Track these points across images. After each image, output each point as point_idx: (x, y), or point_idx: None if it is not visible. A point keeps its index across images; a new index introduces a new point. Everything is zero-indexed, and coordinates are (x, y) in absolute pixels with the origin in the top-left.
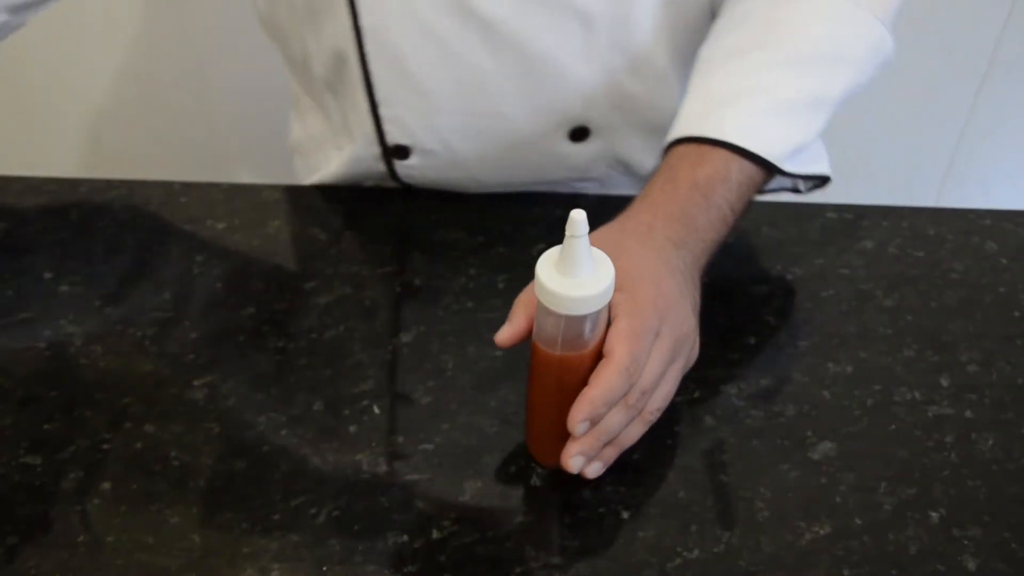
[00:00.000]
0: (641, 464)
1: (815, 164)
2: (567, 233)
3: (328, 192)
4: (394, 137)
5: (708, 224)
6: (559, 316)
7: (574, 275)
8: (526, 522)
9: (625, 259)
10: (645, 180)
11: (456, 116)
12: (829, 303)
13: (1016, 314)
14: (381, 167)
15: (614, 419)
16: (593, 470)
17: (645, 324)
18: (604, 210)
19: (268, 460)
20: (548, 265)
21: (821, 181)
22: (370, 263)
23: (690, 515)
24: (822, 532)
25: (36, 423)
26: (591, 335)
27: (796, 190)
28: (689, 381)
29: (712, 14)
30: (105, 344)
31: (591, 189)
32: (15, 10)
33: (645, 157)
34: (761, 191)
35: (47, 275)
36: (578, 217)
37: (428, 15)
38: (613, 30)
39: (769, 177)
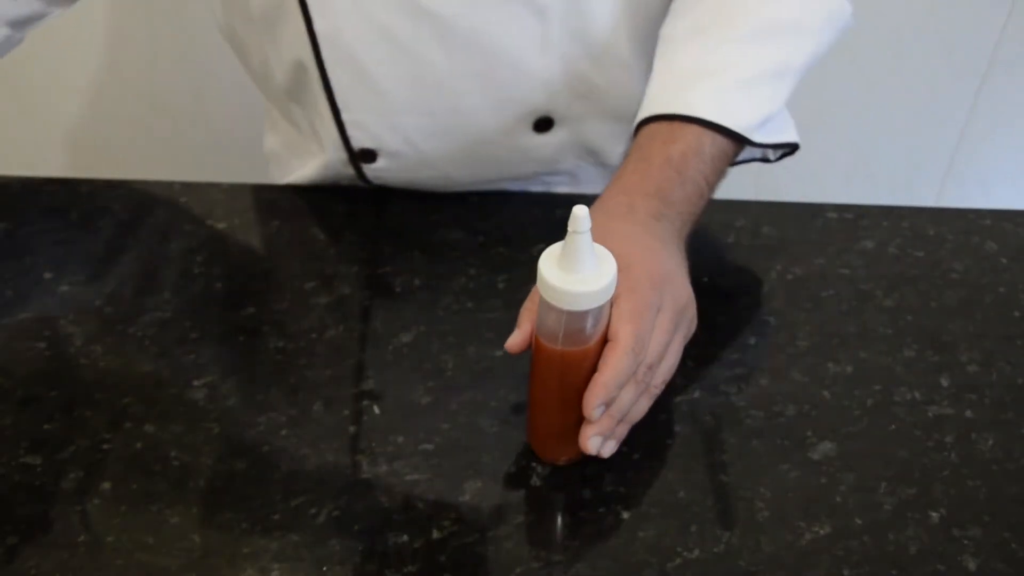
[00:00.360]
0: (641, 464)
1: (783, 133)
2: (569, 229)
3: (328, 192)
4: (359, 141)
5: (684, 198)
6: (561, 311)
7: (576, 271)
8: (526, 522)
9: (613, 239)
10: (611, 169)
11: (417, 116)
12: (829, 303)
13: (1016, 314)
14: (350, 171)
15: (625, 397)
16: (608, 449)
17: (646, 300)
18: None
19: (268, 460)
20: (550, 261)
21: (790, 149)
22: (370, 263)
23: (690, 515)
24: (822, 532)
25: (36, 423)
26: (593, 330)
27: (766, 159)
28: (689, 381)
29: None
30: (105, 344)
31: (563, 185)
32: (16, 25)
33: (614, 145)
34: (733, 162)
35: (47, 275)
36: (580, 213)
37: (380, 15)
38: (568, 19)
39: (740, 148)
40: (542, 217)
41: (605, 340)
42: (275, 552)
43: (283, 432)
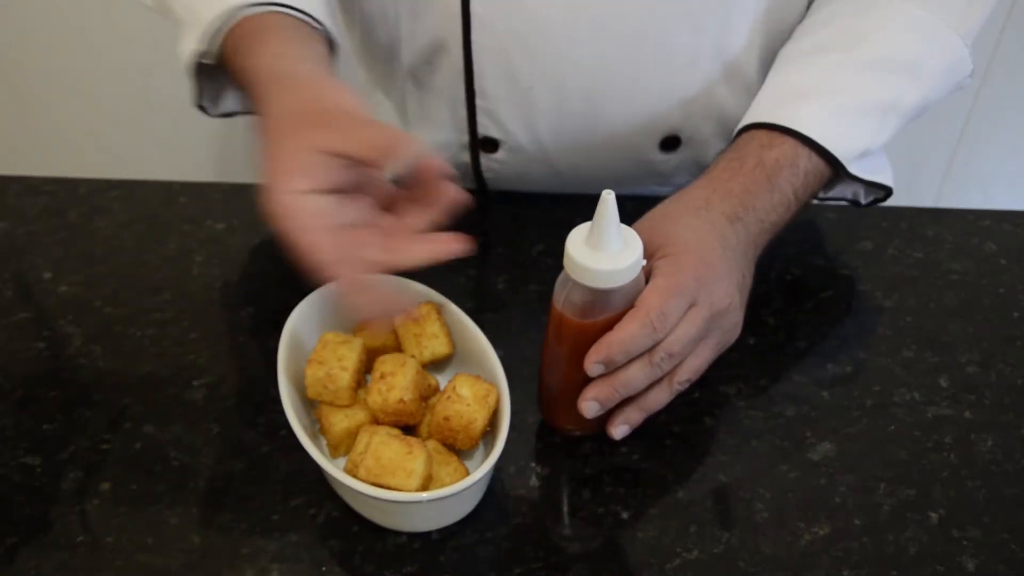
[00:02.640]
0: (640, 465)
1: (879, 174)
2: (597, 211)
3: None
4: (486, 128)
5: (769, 205)
6: (585, 288)
7: (601, 249)
8: (526, 523)
9: (674, 227)
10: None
11: (555, 115)
12: (829, 303)
13: (1015, 315)
14: (464, 158)
15: (633, 372)
16: (618, 432)
17: (680, 285)
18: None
19: (267, 461)
20: (578, 238)
21: (883, 194)
22: None
23: (689, 516)
24: (821, 533)
25: (36, 423)
26: (612, 308)
27: (856, 202)
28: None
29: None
30: (105, 344)
31: (668, 193)
32: None
33: None
34: (823, 194)
35: (47, 275)
36: (608, 197)
37: (541, 12)
38: (716, 36)
39: (833, 176)
40: (542, 217)
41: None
42: (274, 552)
43: (282, 432)
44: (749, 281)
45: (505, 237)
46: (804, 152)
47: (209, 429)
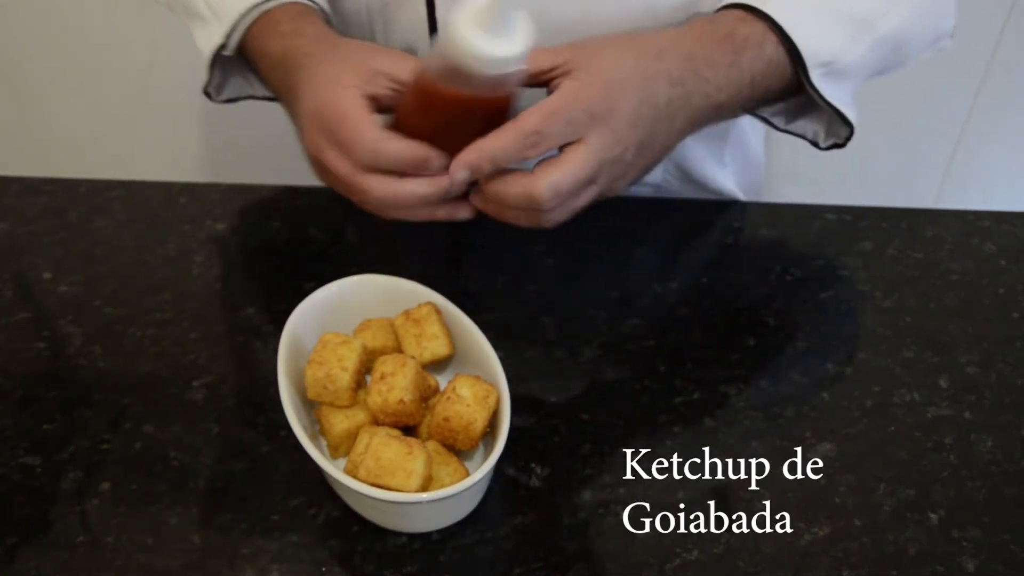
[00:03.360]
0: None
1: (840, 101)
2: None
3: (328, 193)
4: None
5: (724, 81)
6: (460, 65)
7: (494, 32)
8: (525, 523)
9: (602, 55)
10: (698, 186)
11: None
12: (828, 304)
13: (1015, 315)
14: None
15: (505, 188)
16: (462, 212)
17: (570, 112)
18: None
19: (267, 461)
20: (470, 12)
21: (843, 138)
22: (369, 264)
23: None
24: (821, 533)
25: (36, 423)
26: (482, 88)
27: (815, 143)
28: (688, 382)
29: None
30: (104, 344)
31: (645, 193)
32: None
33: (703, 163)
34: (783, 124)
35: (46, 275)
36: None
37: None
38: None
39: (794, 84)
40: None
41: (501, 109)
42: (274, 553)
43: (282, 432)
44: (659, 152)
45: (503, 238)
46: (772, 39)
47: (209, 429)
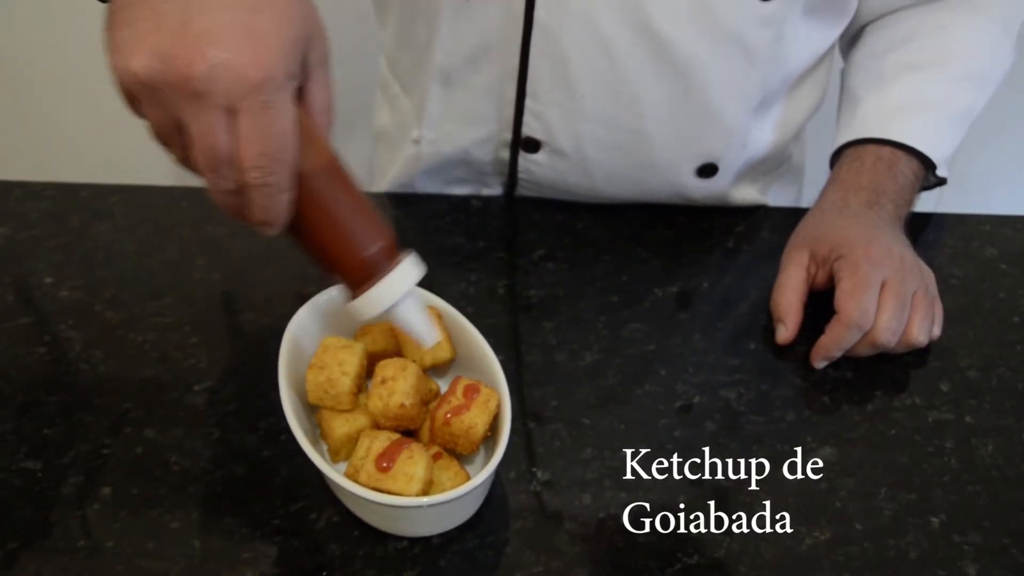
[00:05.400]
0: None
1: (944, 168)
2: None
3: None
4: (531, 130)
5: (896, 188)
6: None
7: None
8: (527, 527)
9: (831, 231)
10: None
11: (602, 126)
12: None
13: (1016, 320)
14: (504, 155)
15: (858, 348)
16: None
17: (865, 279)
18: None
19: (268, 465)
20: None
21: (934, 183)
22: None
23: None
24: (822, 538)
25: (36, 428)
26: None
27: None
28: (689, 386)
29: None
30: (105, 349)
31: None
32: None
33: (743, 192)
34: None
35: (48, 280)
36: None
37: (605, 23)
38: (767, 68)
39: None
40: (543, 222)
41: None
42: (275, 557)
43: (283, 437)
44: (908, 243)
45: (505, 242)
46: (903, 156)
47: (210, 434)
